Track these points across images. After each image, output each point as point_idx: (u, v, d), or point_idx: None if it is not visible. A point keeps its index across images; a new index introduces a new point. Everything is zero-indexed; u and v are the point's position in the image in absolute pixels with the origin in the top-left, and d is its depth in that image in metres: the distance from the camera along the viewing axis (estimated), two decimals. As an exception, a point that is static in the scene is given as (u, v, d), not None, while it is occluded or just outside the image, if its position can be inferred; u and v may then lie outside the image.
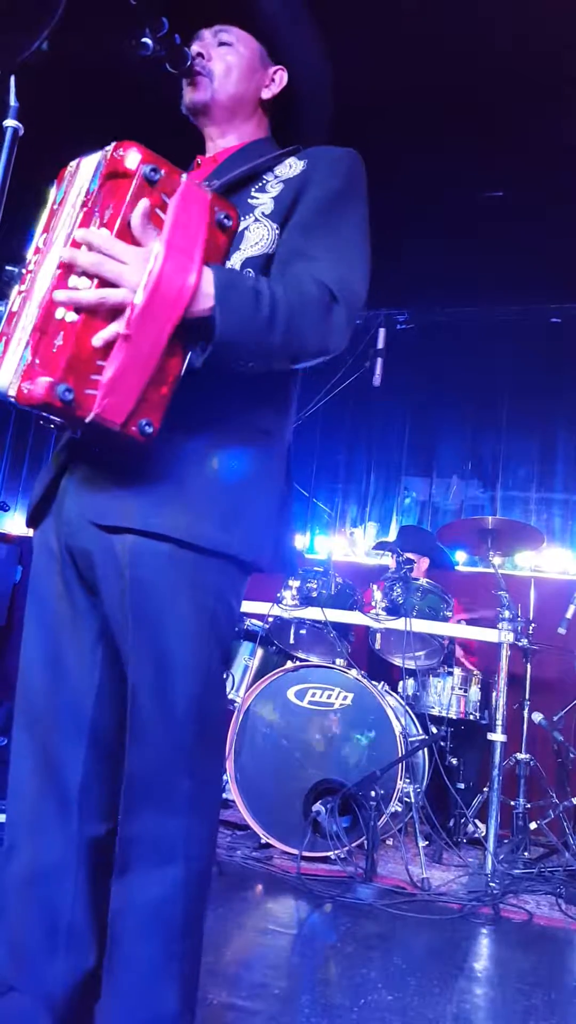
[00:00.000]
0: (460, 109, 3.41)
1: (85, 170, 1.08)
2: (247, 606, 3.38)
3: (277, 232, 1.24)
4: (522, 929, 2.47)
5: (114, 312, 1.00)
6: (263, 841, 2.95)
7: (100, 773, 1.22)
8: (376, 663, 3.81)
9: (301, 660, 3.34)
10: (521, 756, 3.47)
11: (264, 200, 1.26)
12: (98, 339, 1.00)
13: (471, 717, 3.51)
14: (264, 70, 1.40)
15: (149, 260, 1.00)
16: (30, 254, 1.13)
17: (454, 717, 3.48)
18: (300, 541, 5.21)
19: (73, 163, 1.13)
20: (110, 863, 1.16)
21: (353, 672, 3.07)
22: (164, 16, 1.23)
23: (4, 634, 5.32)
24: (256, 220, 1.25)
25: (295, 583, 3.33)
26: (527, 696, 3.59)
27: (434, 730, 3.39)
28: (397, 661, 3.55)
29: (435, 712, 3.47)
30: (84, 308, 1.00)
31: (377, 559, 4.74)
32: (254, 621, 3.57)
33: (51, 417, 1.03)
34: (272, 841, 2.92)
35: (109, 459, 1.15)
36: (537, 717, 3.41)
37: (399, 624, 3.20)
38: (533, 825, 3.32)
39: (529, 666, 3.64)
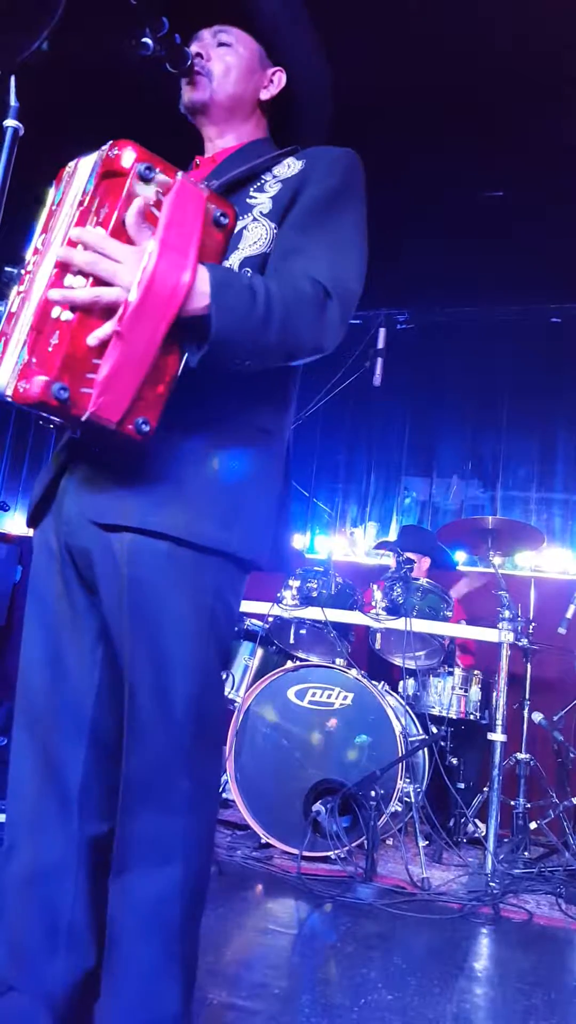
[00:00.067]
0: (460, 109, 3.41)
1: (83, 170, 1.09)
2: (247, 606, 3.38)
3: (275, 232, 1.24)
4: (522, 929, 2.47)
5: (109, 311, 1.01)
6: (263, 841, 2.95)
7: (100, 773, 1.22)
8: (376, 663, 3.81)
9: (301, 660, 3.34)
10: (521, 756, 3.47)
11: (262, 200, 1.26)
12: (93, 338, 1.00)
13: (471, 717, 3.51)
14: (263, 71, 1.40)
15: (143, 258, 1.00)
16: (29, 255, 1.13)
17: (454, 717, 3.48)
18: (300, 541, 5.21)
19: (71, 164, 1.13)
20: (110, 863, 1.17)
21: (353, 672, 3.07)
22: (164, 16, 1.23)
23: (4, 634, 5.32)
24: (254, 220, 1.25)
25: (295, 583, 3.33)
26: (527, 696, 3.59)
27: (434, 730, 3.39)
28: (397, 661, 3.55)
29: (435, 712, 3.47)
30: (79, 307, 1.00)
31: (377, 559, 4.74)
32: (254, 621, 3.56)
33: (49, 416, 1.03)
34: (272, 841, 2.93)
35: (108, 459, 1.15)
36: (537, 717, 3.41)
37: (399, 624, 3.19)
38: (533, 825, 3.32)
39: (529, 666, 3.64)
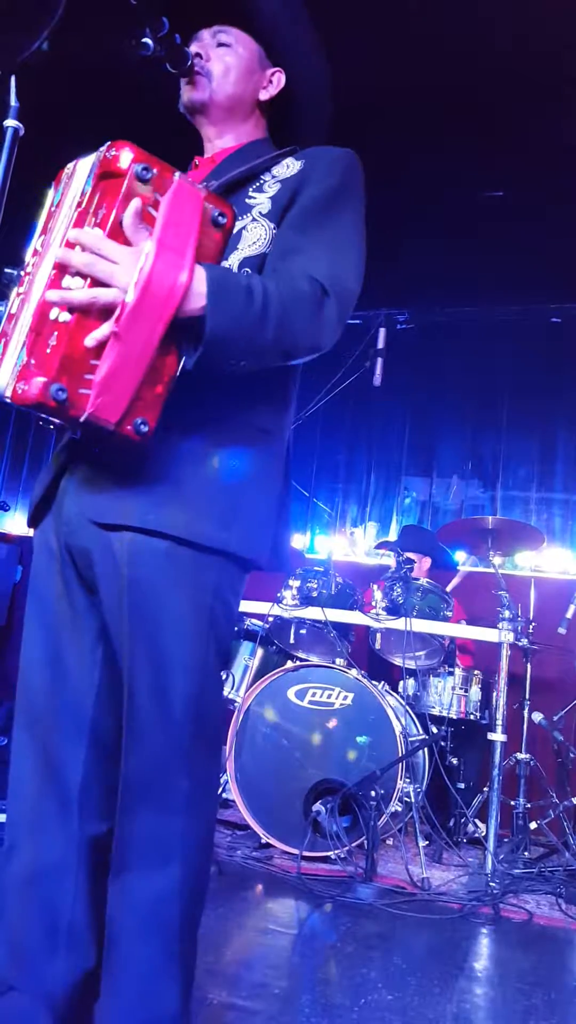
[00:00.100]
0: (460, 109, 3.41)
1: (81, 171, 1.09)
2: (247, 606, 3.38)
3: (274, 232, 1.24)
4: (522, 929, 2.47)
5: (107, 312, 1.01)
6: (263, 841, 2.95)
7: (100, 773, 1.22)
8: (376, 663, 3.81)
9: (301, 660, 3.34)
10: (521, 756, 3.47)
11: (262, 200, 1.27)
12: (91, 339, 1.00)
13: (471, 717, 3.51)
14: (262, 71, 1.40)
15: (140, 259, 1.00)
16: (29, 256, 1.13)
17: (454, 717, 3.48)
18: (300, 541, 5.21)
19: (70, 165, 1.13)
20: (110, 863, 1.17)
21: (353, 672, 3.07)
22: (164, 16, 1.23)
23: (4, 634, 5.32)
24: (254, 220, 1.25)
25: (295, 583, 3.34)
26: (527, 696, 3.59)
27: (434, 730, 3.39)
28: (397, 661, 3.55)
29: (435, 712, 3.47)
30: (76, 308, 1.00)
31: (377, 559, 4.74)
32: (254, 621, 3.56)
33: (48, 417, 1.03)
34: (272, 841, 2.93)
35: (108, 459, 1.15)
36: (537, 717, 3.41)
37: (399, 624, 3.20)
38: (533, 825, 3.32)
39: (529, 666, 3.64)
